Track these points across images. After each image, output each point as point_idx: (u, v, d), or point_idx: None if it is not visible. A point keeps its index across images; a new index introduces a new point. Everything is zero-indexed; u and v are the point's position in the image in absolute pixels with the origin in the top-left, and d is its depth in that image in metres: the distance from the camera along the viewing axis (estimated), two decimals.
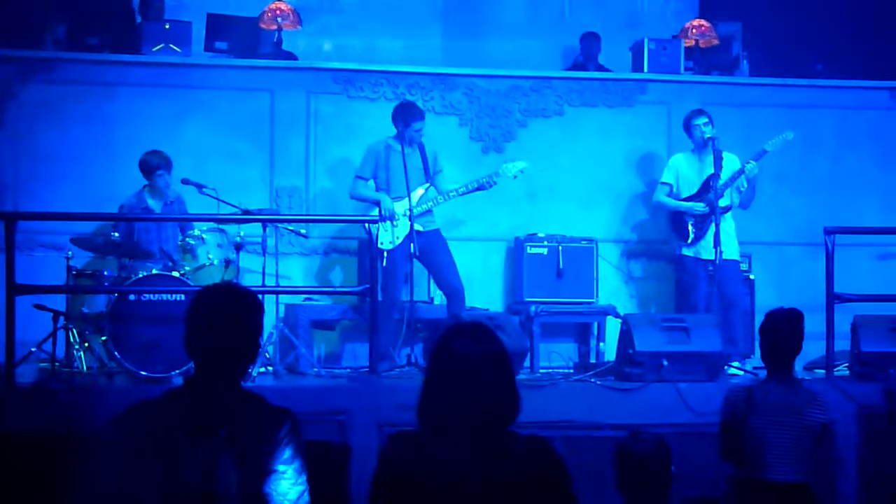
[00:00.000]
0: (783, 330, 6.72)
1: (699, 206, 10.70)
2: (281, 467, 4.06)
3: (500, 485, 4.07)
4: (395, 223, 10.23)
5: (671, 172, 11.00)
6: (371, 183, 10.42)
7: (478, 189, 10.49)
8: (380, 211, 10.23)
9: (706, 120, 10.77)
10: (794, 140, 10.91)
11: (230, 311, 4.19)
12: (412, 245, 10.11)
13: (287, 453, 4.07)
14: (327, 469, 8.46)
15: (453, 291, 10.36)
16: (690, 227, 10.76)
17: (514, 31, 13.60)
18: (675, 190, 10.94)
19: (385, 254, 10.20)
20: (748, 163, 10.62)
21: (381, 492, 4.17)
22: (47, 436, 7.94)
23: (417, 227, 10.29)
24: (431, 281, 10.85)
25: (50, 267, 10.36)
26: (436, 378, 4.22)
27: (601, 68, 12.78)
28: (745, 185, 10.75)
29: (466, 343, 4.21)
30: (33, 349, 9.47)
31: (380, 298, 9.82)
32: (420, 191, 10.37)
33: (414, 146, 10.40)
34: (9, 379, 8.72)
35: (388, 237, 10.22)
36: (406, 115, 10.38)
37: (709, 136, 10.69)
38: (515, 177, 10.67)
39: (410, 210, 10.19)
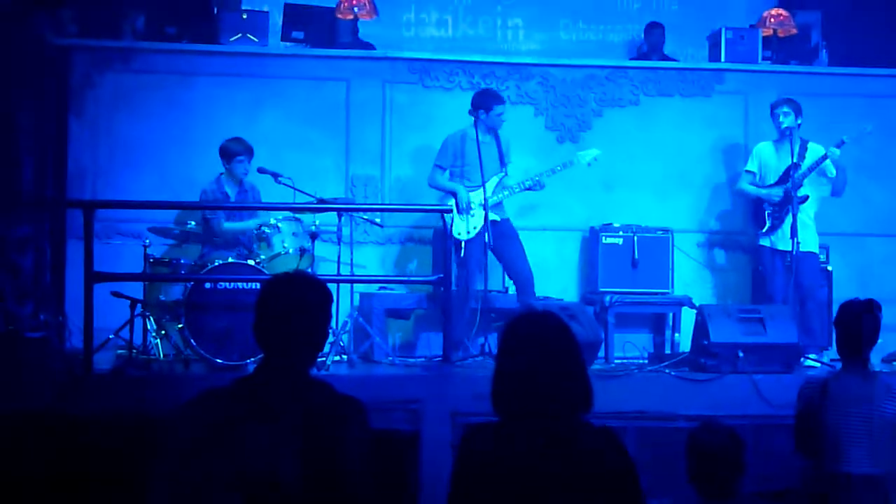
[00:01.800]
0: (859, 321, 6.64)
1: (776, 192, 10.63)
2: (348, 455, 4.07)
3: (571, 474, 4.07)
4: (471, 213, 10.24)
5: (755, 161, 10.94)
6: (447, 173, 10.44)
7: (551, 174, 10.51)
8: (456, 202, 10.24)
9: (787, 109, 10.67)
10: (873, 130, 10.81)
11: (299, 300, 4.20)
12: (487, 235, 10.10)
13: (354, 441, 4.09)
14: (398, 457, 8.51)
15: (524, 281, 10.38)
16: (767, 216, 10.69)
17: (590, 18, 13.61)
18: (758, 178, 10.88)
19: (462, 244, 10.21)
20: (830, 149, 10.52)
21: (461, 483, 4.19)
22: (125, 421, 8.03)
23: (493, 216, 10.30)
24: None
25: (128, 255, 10.50)
26: (507, 367, 4.24)
27: (665, 58, 12.72)
28: (834, 172, 10.65)
29: (536, 331, 4.22)
30: (111, 336, 9.59)
31: (455, 288, 9.84)
32: (495, 180, 10.37)
33: (490, 135, 10.41)
34: (87, 365, 8.81)
35: (465, 227, 10.23)
36: (488, 100, 10.42)
37: (785, 125, 10.61)
38: (590, 164, 10.69)
39: (486, 200, 10.20)
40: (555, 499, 4.06)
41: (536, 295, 10.57)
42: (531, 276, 10.42)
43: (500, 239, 10.35)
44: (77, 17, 11.48)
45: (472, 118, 10.32)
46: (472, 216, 10.25)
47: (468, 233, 10.25)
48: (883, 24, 12.89)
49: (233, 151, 10.31)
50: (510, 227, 10.53)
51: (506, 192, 10.47)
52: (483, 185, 10.26)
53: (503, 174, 10.46)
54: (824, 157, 10.55)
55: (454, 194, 10.28)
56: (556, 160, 10.95)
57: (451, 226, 10.12)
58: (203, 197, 10.33)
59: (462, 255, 10.21)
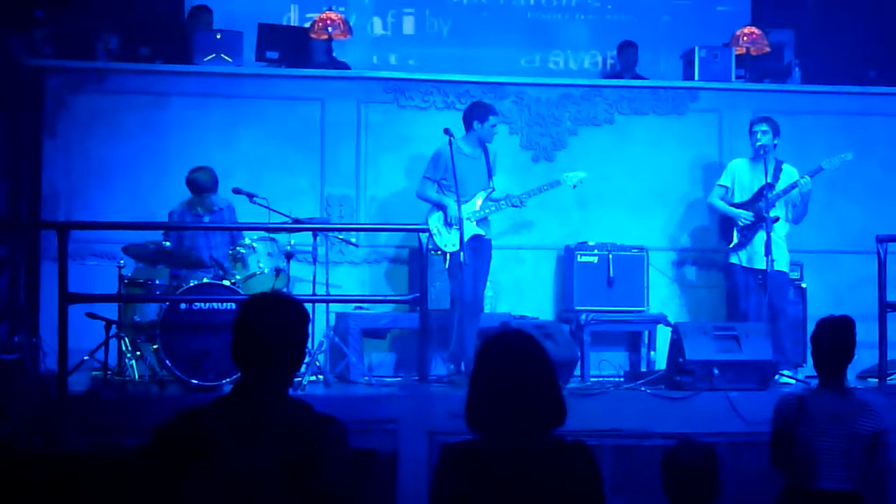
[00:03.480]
0: (834, 338, 6.66)
1: (745, 215, 10.67)
2: (328, 475, 4.06)
3: (545, 490, 4.12)
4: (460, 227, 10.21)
5: (729, 175, 10.97)
6: (436, 186, 10.41)
7: (537, 192, 10.57)
8: (445, 215, 10.23)
9: (765, 128, 10.70)
10: (846, 148, 10.85)
11: (277, 320, 4.21)
12: (462, 255, 10.05)
13: (334, 460, 4.09)
14: (376, 476, 8.49)
15: (476, 304, 10.39)
16: (735, 232, 10.73)
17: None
18: (729, 193, 10.91)
19: (448, 256, 10.21)
20: (803, 178, 10.56)
21: (439, 502, 4.22)
22: (99, 444, 7.99)
23: (479, 230, 10.36)
24: (486, 289, 10.81)
25: (102, 276, 10.46)
26: (480, 384, 4.27)
27: (637, 77, 12.75)
28: (799, 200, 10.69)
29: (508, 349, 4.25)
30: (86, 357, 9.56)
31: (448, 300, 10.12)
32: (483, 195, 10.40)
33: (480, 148, 10.44)
34: (62, 387, 8.78)
35: (453, 240, 10.19)
36: (483, 111, 10.45)
37: (761, 143, 10.65)
38: (575, 186, 10.70)
39: (461, 215, 10.22)
40: None
41: (512, 314, 10.59)
42: (483, 302, 10.48)
43: (476, 252, 10.35)
44: (50, 38, 11.47)
45: (451, 145, 10.22)
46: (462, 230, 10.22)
47: (453, 245, 10.20)
48: (855, 42, 12.97)
49: (198, 186, 10.28)
50: (489, 247, 10.54)
51: (493, 207, 10.48)
52: (471, 198, 10.33)
53: (490, 189, 10.48)
54: (794, 185, 10.57)
55: (444, 207, 10.27)
56: (531, 179, 10.98)
57: (435, 239, 10.19)
58: (172, 218, 10.32)
59: (448, 266, 10.21)
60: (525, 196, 10.54)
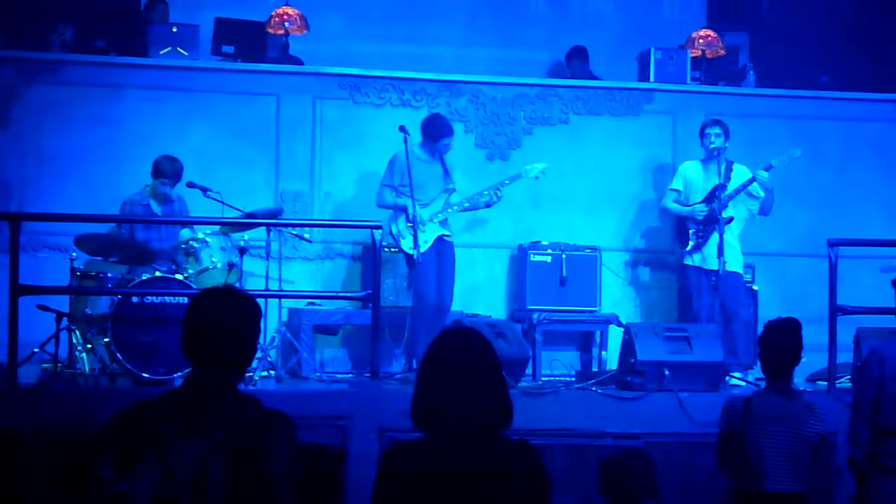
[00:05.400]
0: (781, 340, 6.71)
1: (700, 208, 10.73)
2: (275, 470, 4.07)
3: (489, 489, 4.13)
4: (422, 229, 10.20)
5: (680, 179, 11.04)
6: (394, 192, 10.40)
7: (501, 188, 10.58)
8: (407, 216, 10.23)
9: (718, 130, 10.78)
10: (801, 155, 10.93)
11: (228, 314, 4.20)
12: (415, 252, 10.06)
13: (280, 456, 4.09)
14: (324, 472, 8.49)
15: (444, 307, 10.40)
16: (691, 234, 10.80)
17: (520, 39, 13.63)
18: (682, 196, 10.97)
19: (415, 257, 10.18)
20: (758, 172, 10.63)
21: (382, 501, 4.21)
22: (48, 436, 7.96)
23: (443, 231, 10.40)
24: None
25: (53, 268, 10.40)
26: (428, 382, 4.28)
27: (592, 78, 12.75)
28: (762, 193, 10.77)
29: (457, 348, 4.26)
30: (36, 350, 9.47)
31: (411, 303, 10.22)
32: (444, 197, 10.42)
33: (434, 156, 10.45)
34: (11, 379, 8.73)
35: (419, 241, 10.16)
36: (437, 129, 10.48)
37: (713, 146, 10.72)
38: (537, 177, 10.73)
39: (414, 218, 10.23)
40: None
41: (465, 312, 10.61)
42: (450, 304, 10.49)
43: (440, 255, 10.39)
44: (4, 29, 11.39)
45: (407, 142, 10.21)
46: (423, 231, 10.22)
47: (419, 247, 10.18)
48: (809, 46, 13.05)
49: (159, 170, 10.24)
50: (451, 249, 10.56)
51: (455, 208, 10.50)
52: (431, 201, 10.35)
53: (452, 189, 10.50)
54: (752, 180, 10.66)
55: (404, 210, 10.26)
56: (485, 178, 11.01)
57: (401, 244, 10.25)
58: (123, 208, 10.27)
59: (415, 269, 10.19)
60: (487, 192, 10.53)
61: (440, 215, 10.40)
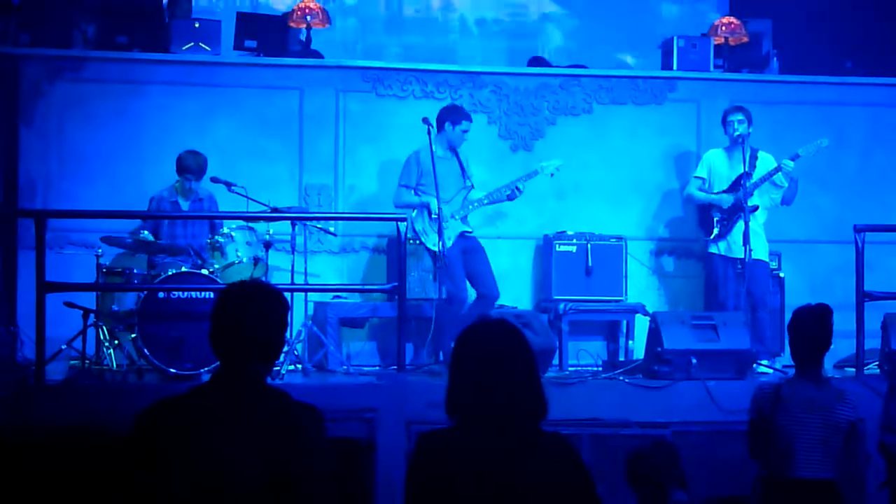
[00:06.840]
0: (811, 326, 6.67)
1: (726, 199, 10.70)
2: (305, 463, 4.07)
3: (524, 481, 4.09)
4: (445, 225, 10.18)
5: (704, 167, 11.00)
6: (412, 191, 10.40)
7: (521, 182, 10.55)
8: (429, 212, 10.22)
9: (741, 117, 10.74)
10: (829, 144, 10.87)
11: (255, 308, 4.20)
12: (438, 249, 10.06)
13: (311, 449, 4.09)
14: (353, 466, 8.50)
15: (490, 296, 10.39)
16: (716, 223, 10.77)
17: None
18: (707, 184, 10.94)
19: (437, 254, 10.17)
20: (784, 161, 10.59)
21: (414, 491, 4.19)
22: (77, 432, 7.98)
23: (465, 227, 10.38)
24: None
25: (80, 264, 10.44)
26: (461, 374, 4.25)
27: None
28: (786, 182, 10.72)
29: (490, 339, 4.23)
30: (63, 347, 9.51)
31: (443, 297, 10.14)
32: (463, 193, 10.42)
33: (450, 152, 10.43)
34: (39, 376, 8.76)
35: (438, 238, 10.15)
36: (454, 116, 10.47)
37: (737, 133, 10.67)
38: (552, 174, 10.69)
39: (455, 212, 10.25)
40: None
41: None
42: (497, 293, 10.47)
43: (471, 253, 10.40)
44: (27, 26, 11.40)
45: (431, 134, 10.19)
46: (447, 227, 10.20)
47: (443, 242, 10.18)
48: (833, 31, 12.98)
49: (183, 166, 10.27)
50: (477, 242, 10.56)
51: (475, 204, 10.49)
52: (451, 199, 10.32)
53: (470, 186, 10.49)
54: (777, 169, 10.62)
55: (426, 206, 10.25)
56: (509, 169, 11.00)
57: (423, 240, 10.26)
58: (151, 204, 10.30)
59: (438, 265, 10.18)
60: (506, 189, 10.52)
61: (461, 212, 10.38)
